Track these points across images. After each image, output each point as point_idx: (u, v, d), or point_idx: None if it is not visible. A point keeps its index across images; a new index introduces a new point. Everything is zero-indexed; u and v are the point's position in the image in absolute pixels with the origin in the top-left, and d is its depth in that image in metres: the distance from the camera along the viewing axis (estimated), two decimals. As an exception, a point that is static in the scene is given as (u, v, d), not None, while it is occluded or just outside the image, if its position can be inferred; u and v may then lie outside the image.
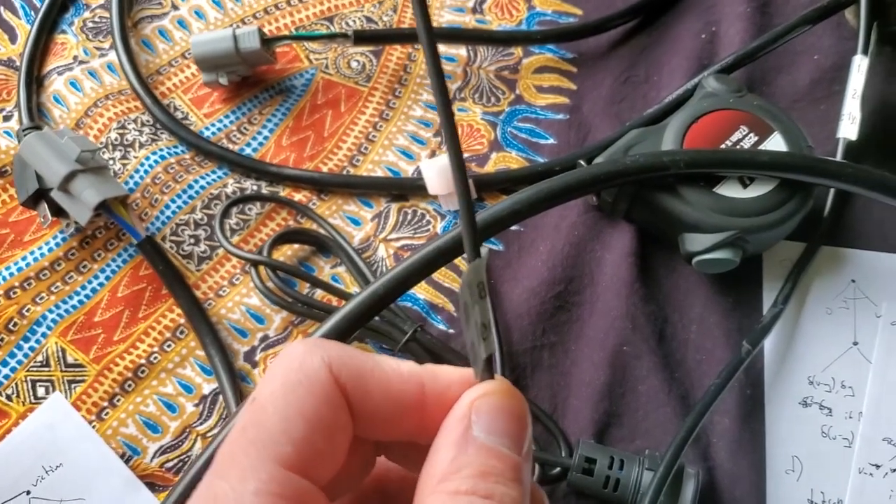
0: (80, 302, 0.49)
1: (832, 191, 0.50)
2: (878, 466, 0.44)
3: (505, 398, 0.21)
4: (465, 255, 0.21)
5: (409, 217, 0.52)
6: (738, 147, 0.47)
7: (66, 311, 0.49)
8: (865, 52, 0.52)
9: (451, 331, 0.48)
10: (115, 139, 0.53)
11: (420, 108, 0.55)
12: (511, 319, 0.48)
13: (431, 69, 0.20)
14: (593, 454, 0.42)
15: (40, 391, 0.46)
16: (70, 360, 0.47)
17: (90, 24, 0.59)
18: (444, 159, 0.49)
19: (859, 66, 0.52)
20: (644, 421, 0.45)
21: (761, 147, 0.47)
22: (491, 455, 0.20)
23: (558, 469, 0.43)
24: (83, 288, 0.49)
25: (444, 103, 0.20)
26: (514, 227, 0.50)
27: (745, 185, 0.45)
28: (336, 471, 0.21)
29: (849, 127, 0.51)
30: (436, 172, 0.49)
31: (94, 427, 0.45)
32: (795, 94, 0.55)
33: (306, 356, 0.20)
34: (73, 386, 0.47)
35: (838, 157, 0.50)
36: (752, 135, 0.47)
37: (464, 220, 0.21)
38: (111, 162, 0.53)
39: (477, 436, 0.20)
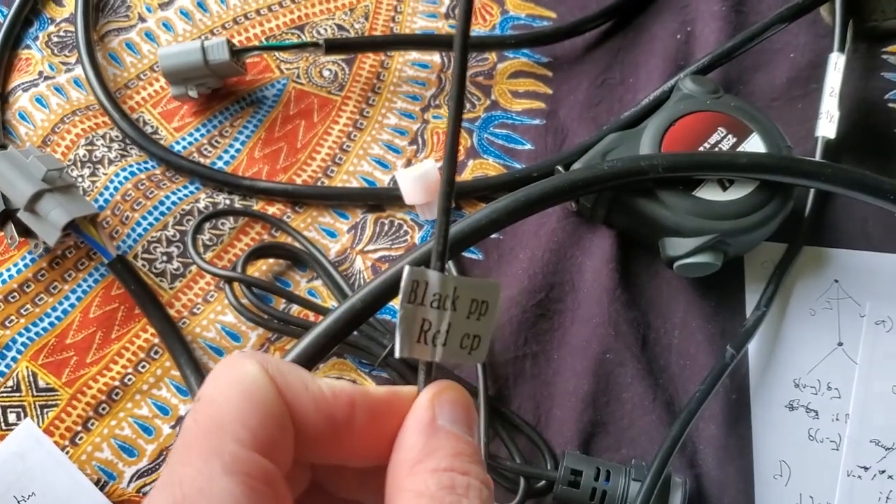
0: (51, 324, 0.48)
1: (812, 190, 0.50)
2: (866, 469, 0.44)
3: (459, 393, 0.22)
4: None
5: (386, 228, 0.51)
6: (716, 149, 0.46)
7: (37, 333, 0.47)
8: (842, 49, 0.52)
9: (431, 343, 0.47)
10: (84, 156, 0.52)
11: (394, 117, 0.55)
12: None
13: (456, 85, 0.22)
14: (579, 466, 0.42)
15: (11, 417, 0.45)
16: (42, 384, 0.46)
17: (55, 39, 0.57)
18: (420, 168, 0.48)
19: (836, 64, 0.51)
20: (629, 429, 0.45)
21: (740, 148, 0.46)
22: (458, 440, 0.21)
23: (544, 482, 0.43)
24: (54, 310, 0.48)
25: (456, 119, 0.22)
26: (493, 236, 0.49)
27: (724, 188, 0.45)
28: (288, 467, 0.21)
29: (827, 125, 0.50)
30: (412, 182, 0.48)
31: (67, 453, 0.44)
32: (772, 92, 0.55)
33: (245, 359, 0.21)
34: (45, 411, 0.45)
35: (817, 156, 0.50)
36: (730, 136, 0.46)
37: (438, 230, 0.22)
38: (80, 180, 0.52)
39: (442, 424, 0.21)
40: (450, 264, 0.49)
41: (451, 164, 0.22)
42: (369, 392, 0.22)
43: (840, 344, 0.47)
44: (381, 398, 0.22)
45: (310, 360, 0.38)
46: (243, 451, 0.19)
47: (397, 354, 0.22)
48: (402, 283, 0.21)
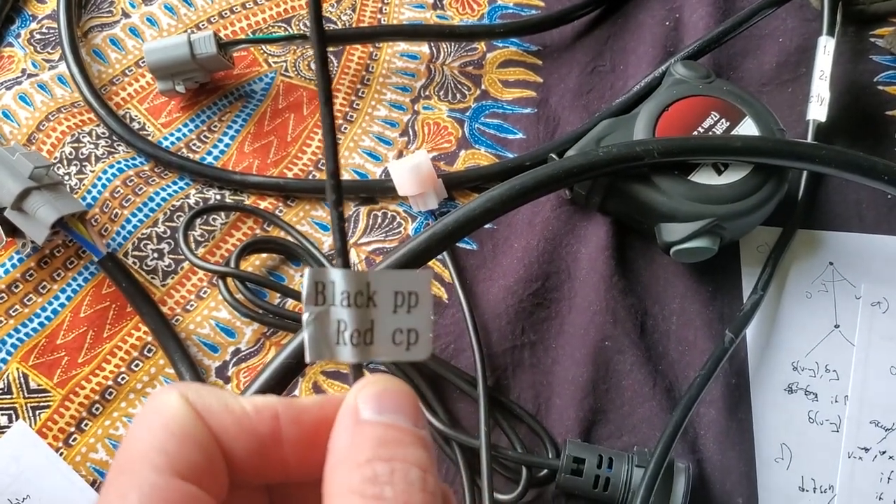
0: (41, 324, 0.47)
1: (805, 173, 0.50)
2: (866, 450, 0.44)
3: (387, 382, 0.21)
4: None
5: (380, 220, 0.50)
6: (710, 133, 0.46)
7: (27, 334, 0.47)
8: (831, 32, 0.52)
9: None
10: (70, 153, 0.51)
11: (385, 108, 0.54)
12: (489, 320, 0.47)
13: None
14: (581, 454, 0.41)
15: (3, 420, 0.44)
16: (33, 385, 0.45)
17: (38, 36, 0.56)
18: (412, 159, 0.48)
19: (825, 47, 0.51)
20: (630, 416, 0.44)
21: (733, 132, 0.46)
22: (387, 428, 0.20)
23: (546, 471, 0.42)
24: (43, 310, 0.47)
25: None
26: (487, 226, 0.49)
27: (719, 172, 0.45)
28: (225, 492, 0.20)
29: (817, 109, 0.50)
30: (405, 173, 0.48)
31: (61, 454, 0.44)
32: (762, 77, 0.55)
33: (164, 391, 0.21)
34: (37, 413, 0.45)
35: (809, 139, 0.50)
36: (723, 120, 0.46)
37: (333, 226, 0.21)
38: (67, 177, 0.51)
39: (367, 417, 0.20)
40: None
41: (334, 154, 0.21)
42: (295, 403, 0.22)
43: (837, 326, 0.47)
44: (310, 407, 0.21)
45: (280, 382, 0.37)
46: (161, 477, 0.19)
47: (307, 359, 0.21)
48: (304, 287, 0.21)
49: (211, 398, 0.21)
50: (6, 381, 0.45)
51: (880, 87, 0.53)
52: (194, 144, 0.53)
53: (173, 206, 0.50)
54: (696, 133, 0.46)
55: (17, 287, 0.48)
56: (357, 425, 0.20)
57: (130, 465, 0.19)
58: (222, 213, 0.50)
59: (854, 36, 0.55)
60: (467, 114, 0.54)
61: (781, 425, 0.45)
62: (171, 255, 0.49)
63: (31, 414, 0.44)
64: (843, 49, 0.55)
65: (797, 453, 0.44)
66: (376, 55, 0.56)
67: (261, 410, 0.21)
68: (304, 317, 0.21)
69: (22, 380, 0.45)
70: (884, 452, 0.44)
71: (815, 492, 0.43)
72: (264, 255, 0.49)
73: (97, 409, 0.45)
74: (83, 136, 0.52)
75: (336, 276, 0.21)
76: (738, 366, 0.46)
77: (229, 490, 0.21)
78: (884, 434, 0.44)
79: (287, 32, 0.57)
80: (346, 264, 0.21)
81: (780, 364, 0.46)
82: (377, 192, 0.51)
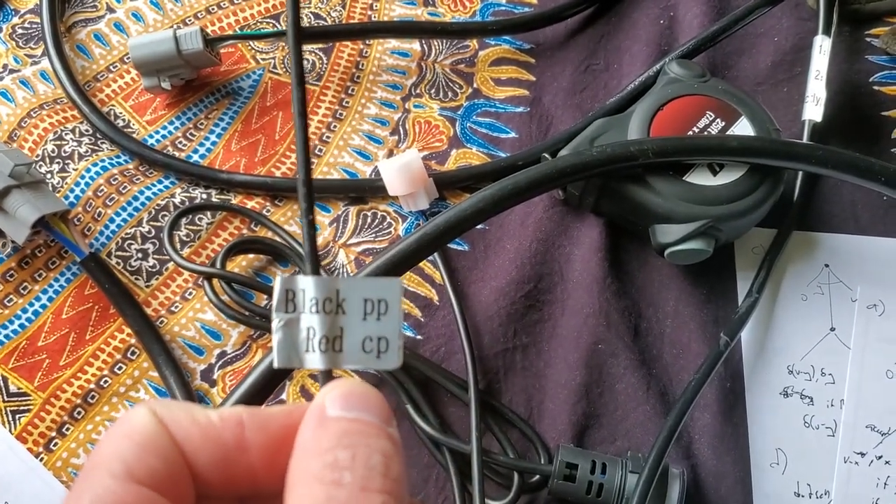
0: (22, 326, 0.46)
1: (800, 174, 0.49)
2: (862, 454, 0.43)
3: (355, 384, 0.21)
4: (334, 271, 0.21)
5: (369, 220, 0.49)
6: (706, 133, 0.45)
7: (7, 336, 0.45)
8: (827, 32, 0.51)
9: (418, 336, 0.46)
10: (52, 151, 0.50)
11: (375, 107, 0.53)
12: (480, 322, 0.46)
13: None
14: (574, 459, 0.41)
15: (-19, 424, 0.43)
16: (13, 388, 0.44)
17: (20, 31, 0.55)
18: (403, 158, 0.47)
19: (821, 47, 0.51)
20: (623, 421, 0.44)
21: (729, 132, 0.45)
22: (351, 422, 0.20)
23: (538, 477, 0.42)
24: (24, 311, 0.46)
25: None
26: (478, 226, 0.48)
27: (715, 173, 0.44)
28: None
29: (813, 109, 0.50)
30: (395, 172, 0.47)
31: (42, 460, 0.42)
32: (757, 77, 0.54)
33: (132, 410, 0.21)
34: (17, 416, 0.43)
35: (804, 139, 0.50)
36: (718, 120, 0.46)
37: (305, 232, 0.22)
38: (48, 175, 0.50)
39: (334, 414, 0.20)
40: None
41: (306, 160, 0.22)
42: (262, 411, 0.21)
43: (832, 329, 0.46)
44: (277, 415, 0.21)
45: (259, 394, 0.36)
46: (116, 482, 0.19)
47: (276, 365, 0.21)
48: (275, 293, 0.21)
49: (178, 410, 0.21)
50: (-15, 385, 0.44)
51: (876, 88, 0.53)
52: (180, 142, 0.52)
53: (158, 205, 0.49)
54: (691, 133, 0.45)
55: (-3, 288, 0.47)
56: (322, 421, 0.20)
57: (90, 472, 0.19)
58: (208, 213, 0.49)
59: (849, 36, 0.55)
60: (459, 112, 0.53)
61: (777, 430, 0.44)
62: (155, 256, 0.48)
63: (10, 418, 0.43)
64: (838, 49, 0.54)
65: (792, 458, 0.43)
66: (367, 52, 0.55)
67: (226, 419, 0.21)
68: (274, 324, 0.21)
69: (1, 383, 0.44)
70: (880, 457, 0.43)
71: (810, 497, 0.43)
72: (251, 256, 0.48)
73: (79, 413, 0.44)
74: (66, 134, 0.51)
75: (305, 283, 0.21)
76: (733, 369, 0.45)
77: (198, 502, 0.21)
78: (880, 438, 0.44)
79: (275, 28, 0.56)
80: (315, 271, 0.21)
81: (776, 367, 0.45)
82: (367, 191, 0.50)
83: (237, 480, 0.21)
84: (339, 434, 0.20)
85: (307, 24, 0.56)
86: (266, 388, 0.35)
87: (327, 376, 0.21)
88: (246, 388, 0.35)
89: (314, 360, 0.21)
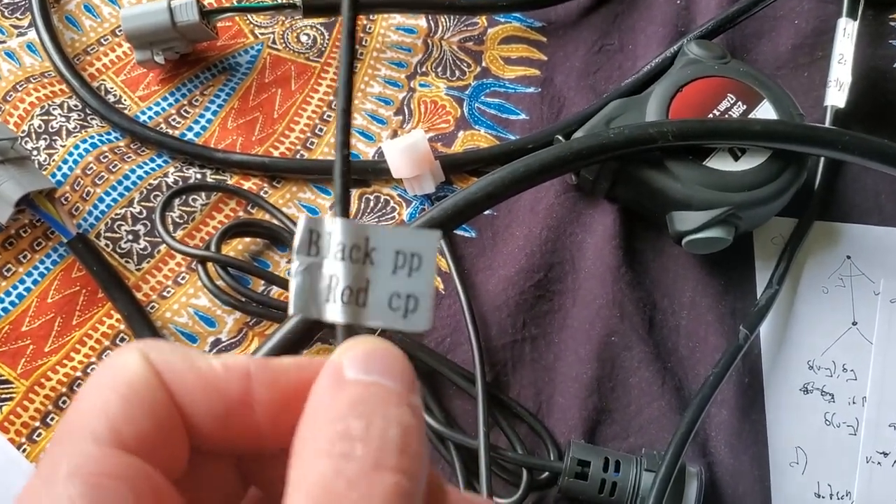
0: (5, 310, 0.43)
1: (822, 162, 0.47)
2: (885, 454, 0.41)
3: (378, 343, 0.19)
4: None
5: (372, 204, 0.47)
6: (726, 117, 0.43)
7: (-11, 320, 0.43)
8: (852, 14, 0.49)
9: (422, 326, 0.44)
10: (39, 126, 0.48)
11: (378, 85, 0.51)
12: (488, 312, 0.44)
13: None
14: (586, 456, 0.39)
15: (-39, 413, 0.41)
16: (-5, 375, 0.42)
17: (6, 0, 0.53)
18: (408, 139, 0.45)
19: (845, 30, 0.49)
20: (637, 416, 0.42)
21: (751, 116, 0.43)
22: (369, 386, 0.18)
23: (548, 473, 0.40)
24: (7, 294, 0.44)
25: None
26: (486, 212, 0.46)
27: (736, 158, 0.42)
28: (183, 460, 0.19)
29: (836, 94, 0.48)
30: (399, 154, 0.45)
31: (24, 451, 0.40)
32: (777, 60, 0.52)
33: (124, 349, 0.19)
34: (-2, 405, 0.41)
35: (827, 125, 0.48)
36: (740, 103, 0.44)
37: (337, 175, 0.20)
38: (35, 152, 0.47)
39: (352, 377, 0.18)
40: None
41: (348, 91, 0.20)
42: (272, 363, 0.19)
43: (854, 323, 0.44)
44: (288, 369, 0.19)
45: (293, 347, 0.35)
46: (99, 448, 0.17)
47: (290, 312, 0.19)
48: (298, 233, 0.19)
49: (174, 356, 0.19)
50: (-34, 371, 0.42)
51: (900, 73, 0.51)
52: (174, 119, 0.49)
53: (150, 184, 0.47)
54: (711, 116, 0.43)
55: (-21, 269, 0.44)
56: (338, 384, 0.18)
57: (69, 433, 0.17)
58: (203, 194, 0.47)
59: (873, 20, 0.53)
60: (467, 92, 0.51)
61: (796, 428, 0.42)
62: (146, 238, 0.46)
63: (-8, 406, 0.41)
64: (861, 33, 0.52)
65: (813, 457, 0.42)
66: (370, 28, 0.53)
67: (230, 369, 0.19)
68: (293, 266, 0.19)
69: (-17, 369, 0.42)
70: (904, 458, 0.41)
71: (831, 498, 0.41)
72: (247, 239, 0.46)
73: (64, 402, 0.42)
74: (54, 109, 0.48)
75: (333, 225, 0.19)
76: (752, 364, 0.43)
77: (191, 458, 0.19)
78: (904, 438, 0.42)
79: (275, 2, 0.53)
80: (344, 213, 0.19)
81: (795, 363, 0.43)
82: (370, 173, 0.48)
83: (238, 437, 0.19)
84: (354, 399, 0.17)
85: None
86: (300, 341, 0.34)
87: (347, 331, 0.19)
88: (277, 340, 0.33)
89: (334, 312, 0.19)
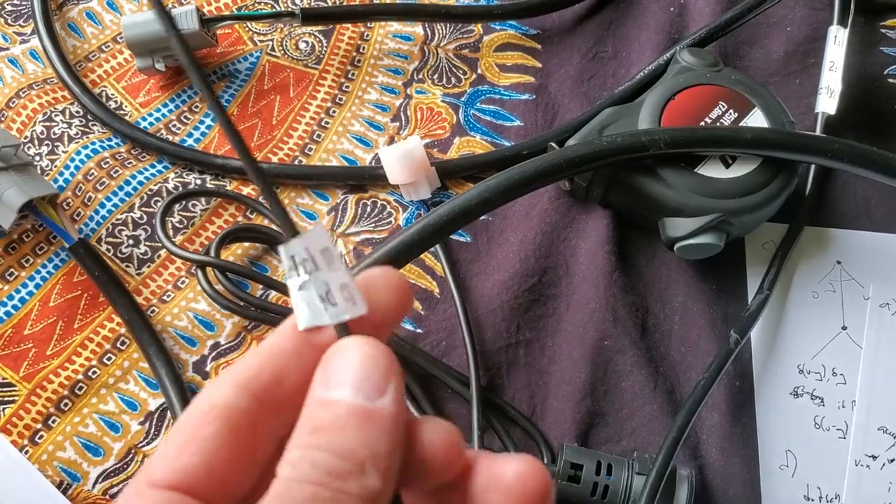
0: (7, 314, 0.44)
1: (813, 168, 0.48)
2: (874, 457, 0.42)
3: (352, 351, 0.20)
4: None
5: (369, 209, 0.48)
6: (718, 124, 0.44)
7: (-8, 324, 0.44)
8: (842, 22, 0.50)
9: (418, 330, 0.44)
10: (41, 132, 0.48)
11: (376, 92, 0.51)
12: (482, 316, 0.44)
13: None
14: (579, 459, 0.39)
15: (-36, 415, 0.42)
16: (-3, 378, 0.43)
17: (9, 8, 0.53)
18: (404, 146, 0.46)
19: (836, 37, 0.49)
20: (630, 420, 0.42)
21: (742, 124, 0.44)
22: (323, 406, 0.19)
23: (541, 476, 0.40)
24: (10, 298, 0.45)
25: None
26: (481, 217, 0.47)
27: (727, 165, 0.43)
28: (246, 485, 0.20)
29: (827, 101, 0.48)
30: (396, 160, 0.46)
31: (26, 453, 0.41)
32: (769, 67, 0.52)
33: (211, 384, 0.21)
34: (1, 408, 0.42)
35: (817, 132, 0.48)
36: (731, 111, 0.44)
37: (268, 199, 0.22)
38: (37, 158, 0.48)
39: (316, 395, 0.20)
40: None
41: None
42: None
43: (844, 328, 0.45)
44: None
45: None
46: (153, 493, 0.19)
47: (299, 328, 0.21)
48: (283, 261, 0.21)
49: (254, 366, 0.21)
50: (-31, 374, 0.42)
51: (891, 80, 0.51)
52: (174, 126, 0.50)
53: (150, 190, 0.47)
54: (703, 123, 0.44)
55: (-18, 273, 0.45)
56: (308, 402, 0.20)
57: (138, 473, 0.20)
58: (202, 199, 0.47)
59: (864, 27, 0.53)
60: (462, 99, 0.51)
61: (786, 431, 0.43)
62: (147, 243, 0.46)
63: (-6, 409, 0.42)
64: (852, 40, 0.52)
65: (802, 460, 0.42)
66: (368, 35, 0.54)
67: (280, 332, 0.21)
68: (290, 290, 0.21)
69: (-14, 372, 0.43)
70: (892, 461, 0.42)
71: (820, 501, 0.41)
72: (246, 244, 0.46)
73: (66, 404, 0.42)
74: (56, 115, 0.49)
75: (290, 247, 0.21)
76: (742, 368, 0.44)
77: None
78: (892, 441, 0.42)
79: (274, 9, 0.54)
80: (294, 233, 0.21)
81: (786, 367, 0.44)
82: (367, 179, 0.48)
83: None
84: (306, 429, 0.19)
85: (307, 5, 0.54)
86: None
87: (343, 329, 0.21)
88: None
89: (326, 317, 0.21)
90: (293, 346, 0.21)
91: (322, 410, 0.19)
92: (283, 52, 0.53)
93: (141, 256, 0.46)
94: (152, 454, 0.20)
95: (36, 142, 0.48)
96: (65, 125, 0.49)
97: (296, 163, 0.49)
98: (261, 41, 0.53)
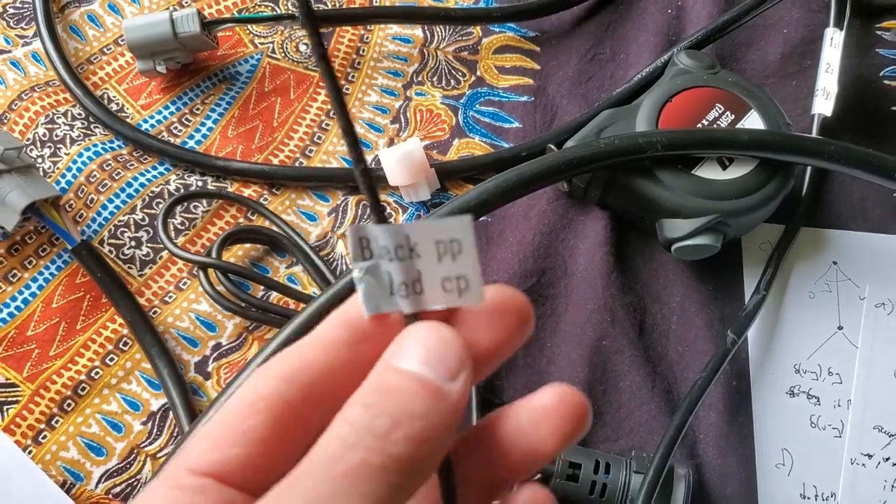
0: (11, 315, 0.45)
1: (809, 169, 0.48)
2: (870, 456, 0.42)
3: (427, 332, 0.20)
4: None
5: (369, 210, 0.48)
6: (714, 126, 0.44)
7: (-5, 325, 0.44)
8: (839, 24, 0.50)
9: (418, 331, 0.45)
10: (44, 135, 0.49)
11: (375, 94, 0.52)
12: (482, 316, 0.45)
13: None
14: (577, 458, 0.40)
15: (-32, 416, 0.42)
16: (1, 379, 0.43)
17: (11, 11, 0.54)
18: (404, 147, 0.46)
19: (832, 39, 0.50)
20: (627, 419, 0.43)
21: (738, 126, 0.44)
22: (398, 373, 0.19)
23: (539, 475, 0.41)
24: (13, 299, 0.45)
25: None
26: (481, 218, 0.47)
27: (724, 167, 0.43)
28: (285, 473, 0.20)
29: (823, 103, 0.49)
30: (396, 162, 0.46)
31: (30, 453, 0.41)
32: (766, 69, 0.53)
33: (258, 374, 0.21)
34: (5, 408, 0.42)
35: (813, 134, 0.49)
36: (728, 113, 0.45)
37: (365, 186, 0.21)
38: (40, 160, 0.48)
39: (389, 363, 0.20)
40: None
41: (345, 117, 0.21)
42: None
43: (840, 328, 0.45)
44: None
45: None
46: (190, 478, 0.19)
47: (365, 315, 0.21)
48: (350, 244, 0.21)
49: (295, 361, 0.21)
50: (-27, 375, 0.43)
51: (886, 82, 0.52)
52: (175, 128, 0.50)
53: (152, 192, 0.48)
54: (700, 126, 0.44)
55: (-15, 275, 0.45)
56: (380, 370, 0.20)
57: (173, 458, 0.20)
58: (204, 201, 0.48)
59: (860, 28, 0.54)
60: (462, 101, 0.52)
61: (783, 430, 0.43)
62: (149, 244, 0.47)
63: (-2, 409, 0.42)
64: (848, 42, 0.53)
65: (798, 459, 0.43)
66: (367, 38, 0.54)
67: (329, 323, 0.21)
68: (354, 273, 0.20)
69: (-11, 373, 0.43)
70: (887, 459, 0.42)
71: (816, 499, 0.42)
72: (248, 246, 0.47)
73: (69, 404, 0.43)
74: (58, 117, 0.50)
75: (374, 231, 0.20)
76: (739, 368, 0.44)
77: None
78: (888, 440, 0.43)
79: (274, 12, 0.54)
80: (380, 220, 0.21)
81: (782, 367, 0.44)
82: (367, 181, 0.49)
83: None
84: (374, 387, 0.19)
85: (307, 8, 0.54)
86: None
87: (413, 320, 0.21)
88: (277, 345, 0.36)
89: (399, 304, 0.21)
90: (347, 336, 0.21)
91: (392, 374, 0.19)
92: (283, 54, 0.53)
93: (143, 258, 0.46)
94: (191, 440, 0.20)
95: (38, 144, 0.49)
96: (67, 127, 0.49)
97: (297, 164, 0.50)
98: (261, 43, 0.53)
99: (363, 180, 0.21)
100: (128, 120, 0.50)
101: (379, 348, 0.20)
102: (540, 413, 0.22)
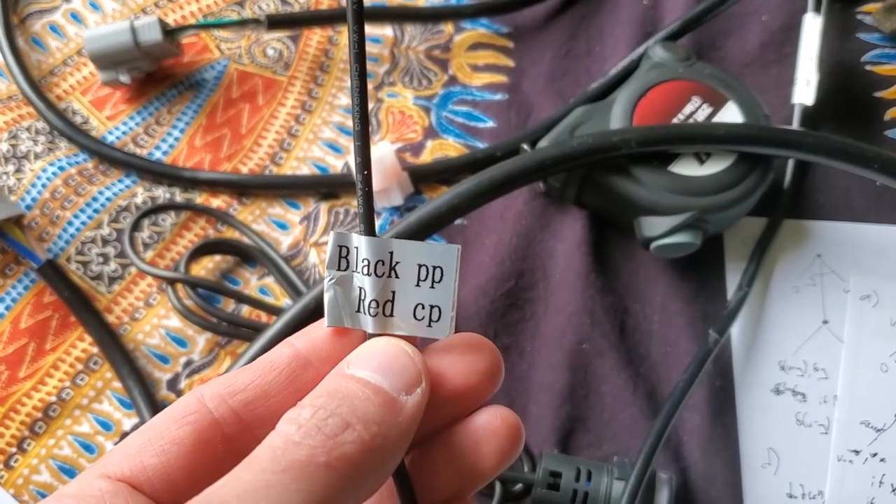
0: (-22, 337, 0.44)
1: (791, 161, 0.47)
2: (857, 452, 0.42)
3: (386, 345, 0.20)
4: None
5: (342, 217, 0.47)
6: (691, 120, 0.43)
7: (-38, 348, 0.43)
8: (817, 9, 0.49)
9: (395, 340, 0.44)
10: (7, 151, 0.48)
11: (346, 97, 0.51)
12: (459, 322, 0.44)
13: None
14: (558, 467, 0.39)
15: (-64, 443, 0.41)
16: (-31, 403, 0.42)
17: (-29, 23, 0.52)
18: (376, 151, 0.45)
19: (811, 26, 0.49)
20: (610, 424, 0.42)
21: (716, 118, 0.43)
22: (352, 380, 0.19)
23: (520, 485, 0.40)
24: (-20, 321, 0.44)
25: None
26: (456, 221, 0.46)
27: (701, 162, 0.42)
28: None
29: (804, 91, 0.48)
30: (367, 167, 0.45)
31: (1, 478, 0.40)
32: (745, 58, 0.52)
33: (194, 391, 0.21)
34: (-26, 433, 0.41)
35: (795, 123, 0.48)
36: (705, 106, 0.44)
37: (360, 194, 0.21)
38: (4, 177, 0.47)
39: (346, 371, 0.20)
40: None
41: (364, 120, 0.21)
42: (310, 331, 0.22)
43: (825, 322, 0.44)
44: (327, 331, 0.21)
45: None
46: (104, 482, 0.19)
47: (326, 325, 0.20)
48: (329, 249, 0.20)
49: (231, 381, 0.21)
50: (-60, 400, 0.42)
51: (868, 68, 0.51)
52: (141, 139, 0.49)
53: (119, 206, 0.47)
54: (676, 120, 0.43)
55: (-50, 297, 0.44)
56: (335, 376, 0.20)
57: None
58: (172, 213, 0.47)
59: (840, 13, 0.53)
60: (434, 101, 0.51)
61: (768, 429, 0.42)
62: (117, 260, 0.46)
63: (-34, 435, 0.41)
64: (828, 27, 0.52)
65: (785, 458, 0.42)
66: (336, 39, 0.53)
67: (277, 350, 0.21)
68: (325, 281, 0.20)
69: (-43, 398, 0.42)
70: (875, 454, 0.42)
71: (804, 498, 0.41)
72: (217, 258, 0.46)
73: (40, 427, 0.42)
74: (21, 132, 0.48)
75: (359, 241, 0.20)
76: (723, 367, 0.43)
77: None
78: (875, 435, 0.42)
79: (240, 16, 0.53)
80: (369, 231, 0.20)
81: (767, 364, 0.44)
82: (339, 187, 0.48)
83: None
84: (327, 390, 0.19)
85: (273, 11, 0.53)
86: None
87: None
88: (248, 359, 0.35)
89: (364, 322, 0.20)
90: (288, 362, 0.21)
91: (346, 380, 0.19)
92: (250, 59, 0.52)
93: (111, 274, 0.45)
94: (115, 447, 0.20)
95: (2, 160, 0.48)
96: (30, 142, 0.48)
97: (266, 172, 0.49)
98: (228, 49, 0.52)
99: (363, 190, 0.21)
100: (93, 132, 0.49)
101: (321, 376, 0.20)
102: (481, 434, 0.21)
